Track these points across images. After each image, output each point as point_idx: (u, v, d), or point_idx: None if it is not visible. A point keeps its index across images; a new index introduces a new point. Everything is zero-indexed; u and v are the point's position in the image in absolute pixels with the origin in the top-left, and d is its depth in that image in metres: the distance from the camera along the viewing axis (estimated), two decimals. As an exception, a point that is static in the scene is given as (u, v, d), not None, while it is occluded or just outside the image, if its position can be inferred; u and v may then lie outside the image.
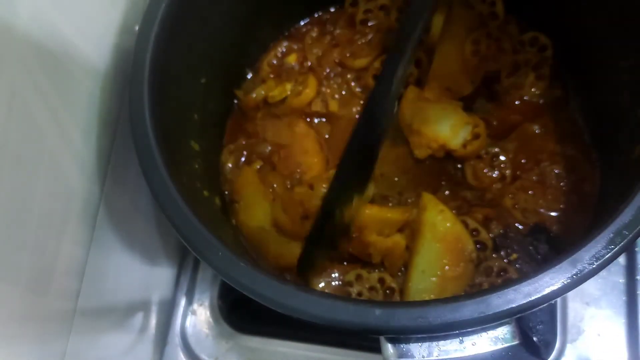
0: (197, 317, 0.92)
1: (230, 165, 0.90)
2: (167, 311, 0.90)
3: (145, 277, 0.88)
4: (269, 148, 0.90)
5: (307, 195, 0.84)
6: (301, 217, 0.82)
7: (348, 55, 0.94)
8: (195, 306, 0.93)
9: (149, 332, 0.88)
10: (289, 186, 0.87)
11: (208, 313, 0.92)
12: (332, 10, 0.99)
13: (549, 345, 0.85)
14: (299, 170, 0.88)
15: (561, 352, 0.85)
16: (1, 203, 0.61)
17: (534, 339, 0.85)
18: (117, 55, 0.77)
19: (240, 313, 0.92)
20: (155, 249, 0.90)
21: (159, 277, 0.90)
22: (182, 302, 0.92)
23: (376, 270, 0.81)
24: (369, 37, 0.95)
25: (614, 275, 0.87)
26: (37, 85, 0.65)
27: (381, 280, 0.80)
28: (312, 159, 0.89)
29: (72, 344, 0.76)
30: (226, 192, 0.88)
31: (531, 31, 0.89)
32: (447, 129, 0.84)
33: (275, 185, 0.86)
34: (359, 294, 0.80)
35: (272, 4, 0.91)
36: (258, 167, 0.89)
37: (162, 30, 0.70)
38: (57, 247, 0.73)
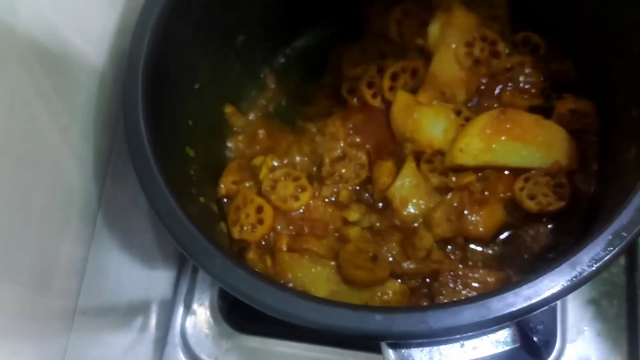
0: (197, 317, 0.92)
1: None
2: (167, 311, 0.90)
3: (146, 276, 0.88)
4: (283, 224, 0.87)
5: (362, 240, 0.82)
6: (371, 260, 0.81)
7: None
8: (195, 306, 0.93)
9: (149, 332, 0.88)
10: (328, 246, 0.84)
11: (208, 313, 0.92)
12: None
13: (549, 345, 0.85)
14: (331, 227, 0.85)
15: (561, 352, 0.85)
16: (2, 202, 0.61)
17: (534, 339, 0.85)
18: (116, 55, 0.77)
19: (240, 313, 0.92)
20: (155, 249, 0.90)
21: (159, 277, 0.90)
22: (182, 302, 0.93)
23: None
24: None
25: (614, 276, 0.87)
26: (38, 85, 0.65)
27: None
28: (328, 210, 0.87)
29: (73, 343, 0.76)
30: (225, 200, 0.88)
31: (523, 31, 0.88)
32: (440, 133, 0.83)
33: (317, 250, 0.82)
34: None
35: (268, 14, 0.91)
36: (285, 243, 0.84)
37: (156, 36, 0.70)
38: (57, 247, 0.73)
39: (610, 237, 0.53)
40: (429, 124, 0.84)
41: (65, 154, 0.72)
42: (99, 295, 0.80)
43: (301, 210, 0.86)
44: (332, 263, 0.81)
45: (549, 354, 0.85)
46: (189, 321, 0.92)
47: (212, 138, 0.91)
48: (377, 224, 0.84)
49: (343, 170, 0.87)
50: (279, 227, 0.85)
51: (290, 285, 0.79)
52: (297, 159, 0.90)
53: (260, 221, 0.84)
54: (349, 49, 0.95)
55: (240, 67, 0.93)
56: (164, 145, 0.69)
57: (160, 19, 0.70)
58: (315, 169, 0.89)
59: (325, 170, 0.87)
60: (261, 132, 0.93)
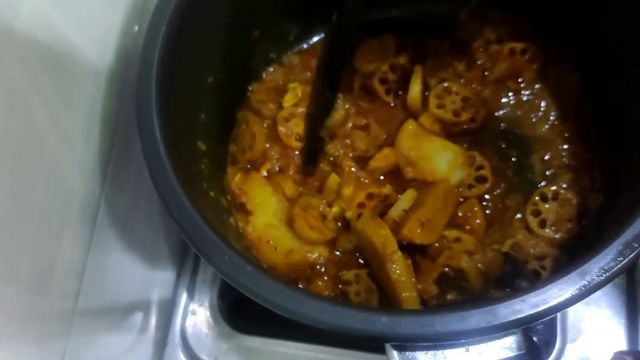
0: (197, 317, 0.92)
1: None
2: (167, 311, 0.90)
3: (145, 277, 0.88)
4: (278, 155, 0.90)
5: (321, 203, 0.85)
6: (321, 219, 0.84)
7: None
8: (195, 306, 0.92)
9: (149, 332, 0.87)
10: (298, 192, 0.87)
11: (208, 313, 0.92)
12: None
13: (549, 345, 0.85)
14: (311, 179, 0.88)
15: (561, 352, 0.85)
16: (1, 203, 0.60)
17: (534, 339, 0.85)
18: (116, 55, 0.77)
19: (240, 313, 0.92)
20: (155, 249, 0.89)
21: (159, 277, 0.90)
22: (182, 302, 0.92)
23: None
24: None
25: (614, 276, 0.87)
26: (37, 85, 0.64)
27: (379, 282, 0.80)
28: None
29: (72, 344, 0.76)
30: (229, 197, 0.88)
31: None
32: (445, 164, 0.83)
33: (285, 189, 0.86)
34: (357, 293, 0.80)
35: (285, 9, 0.91)
36: (265, 172, 0.89)
37: (171, 30, 0.69)
38: (57, 248, 0.72)
39: (620, 247, 0.53)
40: (436, 155, 0.84)
41: (64, 155, 0.71)
42: (99, 296, 0.80)
43: (297, 153, 0.89)
44: (287, 204, 0.85)
45: (549, 354, 0.85)
46: (189, 321, 0.92)
47: (224, 132, 0.91)
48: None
49: (358, 140, 0.88)
50: (272, 153, 0.90)
51: (246, 204, 0.84)
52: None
53: (250, 147, 0.89)
54: (363, 45, 0.94)
55: (254, 61, 0.94)
56: (176, 139, 0.69)
57: (176, 12, 0.70)
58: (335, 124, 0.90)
59: (343, 131, 0.89)
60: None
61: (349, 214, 0.83)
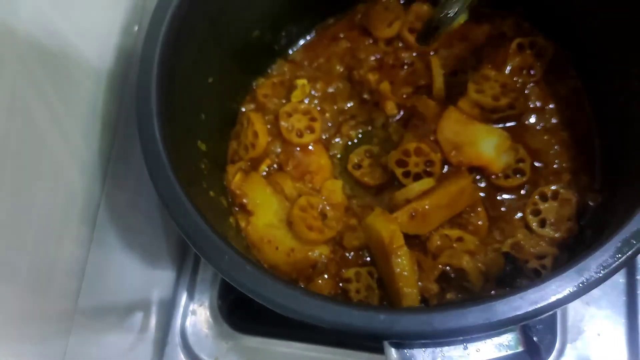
0: (197, 317, 0.91)
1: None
2: (167, 311, 0.90)
3: (146, 277, 0.88)
4: (279, 149, 0.90)
5: (320, 201, 0.86)
6: (320, 218, 0.85)
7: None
8: (195, 306, 0.92)
9: (149, 332, 0.88)
10: (298, 191, 0.87)
11: (208, 313, 0.92)
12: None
13: (549, 345, 0.85)
14: (308, 175, 0.88)
15: (561, 352, 0.84)
16: (2, 203, 0.61)
17: (534, 339, 0.85)
18: (116, 55, 0.77)
19: (240, 313, 0.92)
20: (155, 249, 0.89)
21: (159, 277, 0.90)
22: (182, 302, 0.92)
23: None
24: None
25: (614, 275, 0.86)
26: (38, 85, 0.65)
27: (379, 281, 0.80)
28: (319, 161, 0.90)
29: (72, 343, 0.76)
30: (229, 196, 0.88)
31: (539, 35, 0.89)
32: (491, 149, 0.83)
33: (284, 188, 0.86)
34: (357, 291, 0.80)
35: (285, 9, 0.91)
36: (266, 168, 0.89)
37: (171, 30, 0.70)
38: (57, 247, 0.72)
39: (619, 244, 0.53)
40: (481, 139, 0.83)
41: (65, 155, 0.71)
42: (99, 296, 0.80)
43: (298, 149, 0.90)
44: (287, 204, 0.86)
45: (549, 354, 0.84)
46: (189, 321, 0.91)
47: (224, 132, 0.92)
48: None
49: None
50: (272, 148, 0.91)
51: (246, 204, 0.85)
52: (334, 107, 0.93)
53: (253, 145, 0.90)
54: (373, 13, 0.95)
55: (256, 59, 0.94)
56: (176, 139, 0.69)
57: (176, 12, 0.70)
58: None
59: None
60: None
61: (391, 159, 0.85)
